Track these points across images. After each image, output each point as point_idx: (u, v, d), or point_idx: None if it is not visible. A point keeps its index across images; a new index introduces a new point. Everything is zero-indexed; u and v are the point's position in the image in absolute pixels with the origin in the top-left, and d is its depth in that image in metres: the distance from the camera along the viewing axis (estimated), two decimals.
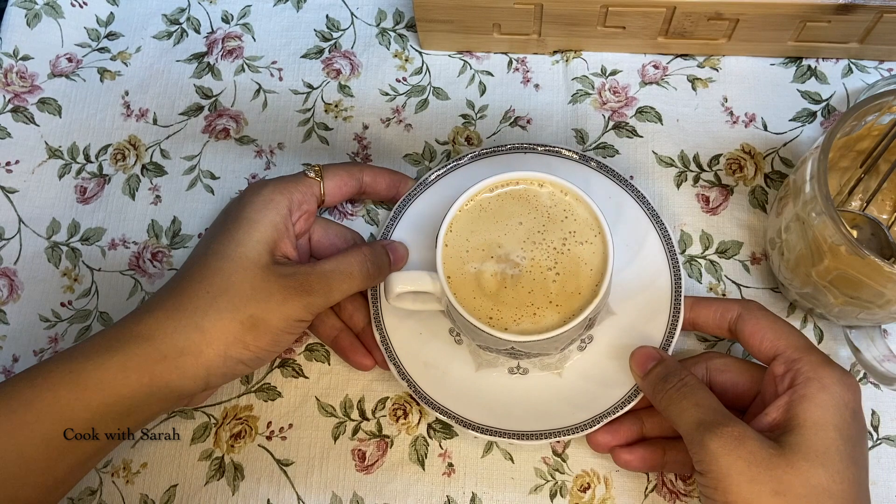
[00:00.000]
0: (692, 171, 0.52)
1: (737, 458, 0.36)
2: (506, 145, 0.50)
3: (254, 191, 0.45)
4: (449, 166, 0.50)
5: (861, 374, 0.47)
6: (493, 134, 0.54)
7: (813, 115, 0.53)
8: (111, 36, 0.58)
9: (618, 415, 0.44)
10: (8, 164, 0.54)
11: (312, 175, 0.46)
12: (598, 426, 0.44)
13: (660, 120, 0.53)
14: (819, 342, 0.48)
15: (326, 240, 0.48)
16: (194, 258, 0.43)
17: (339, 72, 0.56)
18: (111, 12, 0.58)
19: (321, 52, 0.57)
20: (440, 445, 0.48)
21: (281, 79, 0.56)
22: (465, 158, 0.50)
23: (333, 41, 0.57)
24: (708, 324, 0.45)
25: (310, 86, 0.56)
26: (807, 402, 0.38)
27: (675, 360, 0.43)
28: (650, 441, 0.45)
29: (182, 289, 0.41)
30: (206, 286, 0.41)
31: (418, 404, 0.48)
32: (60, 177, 0.54)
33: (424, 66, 0.56)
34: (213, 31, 0.57)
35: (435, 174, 0.50)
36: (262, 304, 0.41)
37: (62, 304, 0.52)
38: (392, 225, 0.49)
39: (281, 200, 0.44)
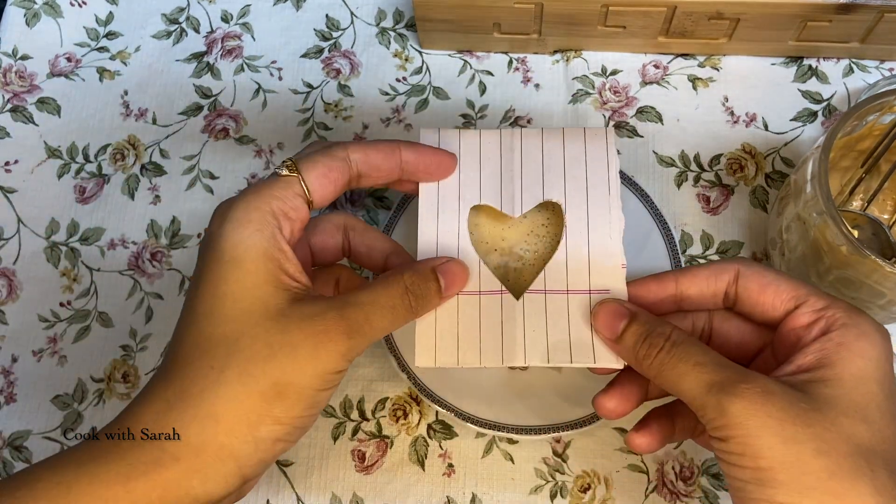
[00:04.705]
0: (693, 170, 0.52)
1: (766, 416, 0.30)
2: None
3: (222, 217, 0.34)
4: None
5: None
6: None
7: (814, 114, 0.53)
8: (110, 35, 0.58)
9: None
10: (7, 163, 0.54)
11: (286, 172, 0.36)
12: (596, 423, 0.44)
13: (660, 120, 0.53)
14: None
15: (363, 247, 0.41)
16: (183, 328, 0.34)
17: (338, 71, 0.56)
18: (110, 12, 0.58)
19: (321, 51, 0.56)
20: (440, 446, 0.47)
21: (280, 78, 0.56)
22: None
23: (333, 41, 0.57)
24: (702, 295, 0.37)
25: (309, 85, 0.56)
26: (845, 351, 0.32)
27: (648, 313, 0.36)
28: (656, 414, 0.38)
29: (180, 370, 0.33)
30: (208, 360, 0.32)
31: (417, 403, 0.48)
32: (59, 176, 0.54)
33: (424, 65, 0.56)
34: (212, 31, 0.57)
35: None
36: (285, 364, 0.32)
37: (61, 304, 0.51)
38: (396, 216, 0.49)
39: (261, 218, 0.34)
